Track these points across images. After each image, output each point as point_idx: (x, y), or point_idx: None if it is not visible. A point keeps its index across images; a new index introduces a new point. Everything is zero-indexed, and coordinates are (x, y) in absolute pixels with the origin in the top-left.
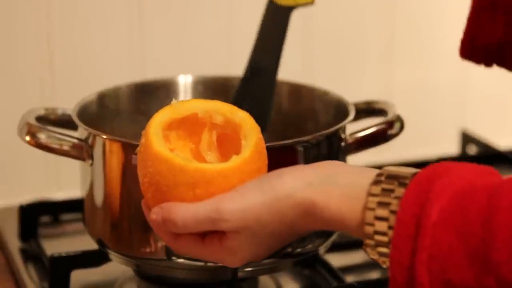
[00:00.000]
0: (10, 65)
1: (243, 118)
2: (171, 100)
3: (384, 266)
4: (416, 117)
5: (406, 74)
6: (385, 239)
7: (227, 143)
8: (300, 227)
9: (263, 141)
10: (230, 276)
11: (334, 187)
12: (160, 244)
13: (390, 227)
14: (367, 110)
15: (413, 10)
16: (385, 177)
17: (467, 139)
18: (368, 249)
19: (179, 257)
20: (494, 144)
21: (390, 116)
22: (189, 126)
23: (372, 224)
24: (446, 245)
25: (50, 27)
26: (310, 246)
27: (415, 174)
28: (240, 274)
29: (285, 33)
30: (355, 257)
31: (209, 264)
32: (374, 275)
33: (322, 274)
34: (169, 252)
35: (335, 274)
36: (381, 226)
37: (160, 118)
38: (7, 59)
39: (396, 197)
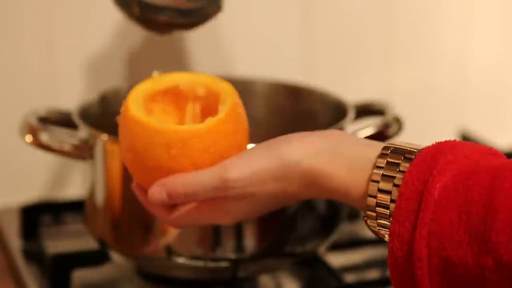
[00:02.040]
0: (12, 65)
1: (223, 87)
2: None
3: (383, 239)
4: (416, 117)
5: (405, 74)
6: (386, 212)
7: (212, 116)
8: (303, 194)
9: (241, 105)
10: (230, 276)
11: (340, 157)
12: (161, 243)
13: (392, 200)
14: (366, 110)
15: (412, 10)
16: (391, 151)
17: (466, 139)
18: (369, 221)
19: (179, 256)
20: (494, 144)
21: (388, 116)
22: (173, 99)
23: (375, 196)
24: (447, 222)
25: (51, 27)
26: (310, 246)
27: (421, 150)
28: (240, 274)
29: None
30: (355, 257)
31: (209, 264)
32: (374, 275)
33: (322, 274)
34: (169, 252)
35: (335, 274)
36: (384, 199)
37: (140, 88)
38: (9, 59)
39: (400, 171)
